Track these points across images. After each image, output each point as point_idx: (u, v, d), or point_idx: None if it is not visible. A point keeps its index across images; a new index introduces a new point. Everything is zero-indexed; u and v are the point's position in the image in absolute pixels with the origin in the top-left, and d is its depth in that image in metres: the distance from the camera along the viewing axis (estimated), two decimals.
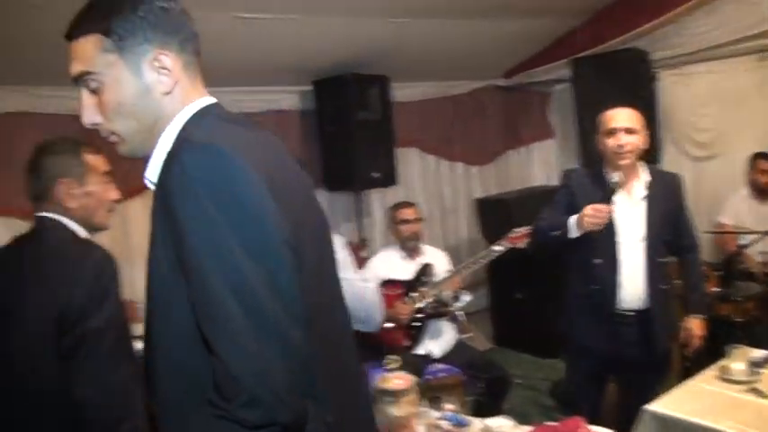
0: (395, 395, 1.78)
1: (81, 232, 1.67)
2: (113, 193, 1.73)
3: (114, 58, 1.00)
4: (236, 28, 3.29)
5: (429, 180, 5.14)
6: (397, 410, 1.76)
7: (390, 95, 4.36)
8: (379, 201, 4.76)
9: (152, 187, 1.03)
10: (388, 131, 4.34)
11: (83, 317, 1.47)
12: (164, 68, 1.02)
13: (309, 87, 4.34)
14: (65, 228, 1.65)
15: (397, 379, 1.82)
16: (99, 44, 1.00)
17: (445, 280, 3.35)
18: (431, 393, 2.51)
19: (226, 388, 0.88)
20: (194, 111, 1.04)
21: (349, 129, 4.14)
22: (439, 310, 3.33)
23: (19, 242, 1.70)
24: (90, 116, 1.04)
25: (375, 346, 2.77)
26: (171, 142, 1.01)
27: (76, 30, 1.02)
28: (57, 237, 1.64)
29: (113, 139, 1.05)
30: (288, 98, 4.42)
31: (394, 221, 3.57)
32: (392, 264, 3.48)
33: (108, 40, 0.99)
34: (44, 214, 1.65)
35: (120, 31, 1.00)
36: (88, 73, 1.01)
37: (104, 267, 1.55)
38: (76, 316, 1.47)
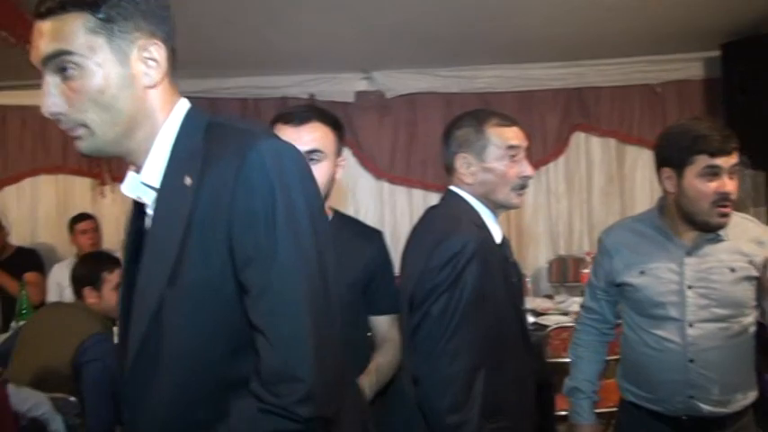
0: None
1: (481, 210, 1.61)
2: (519, 170, 1.59)
3: (100, 42, 0.92)
4: None
5: None
6: None
7: None
8: None
9: (148, 192, 1.00)
10: None
11: (430, 297, 1.43)
12: (152, 60, 0.96)
13: (716, 52, 4.15)
14: (462, 203, 1.61)
15: None
16: (85, 23, 0.92)
17: None
18: None
19: (280, 385, 0.89)
20: (188, 111, 1.02)
21: (765, 98, 3.72)
22: None
23: (430, 209, 1.71)
24: (55, 104, 0.94)
25: None
26: (170, 144, 0.98)
27: (58, 4, 0.92)
28: (444, 211, 1.63)
29: (79, 132, 0.95)
30: (689, 66, 4.35)
31: None
32: None
33: (97, 20, 0.92)
34: (450, 187, 1.66)
35: (111, 12, 0.93)
36: (65, 53, 0.92)
37: (457, 255, 1.43)
38: (425, 295, 1.45)
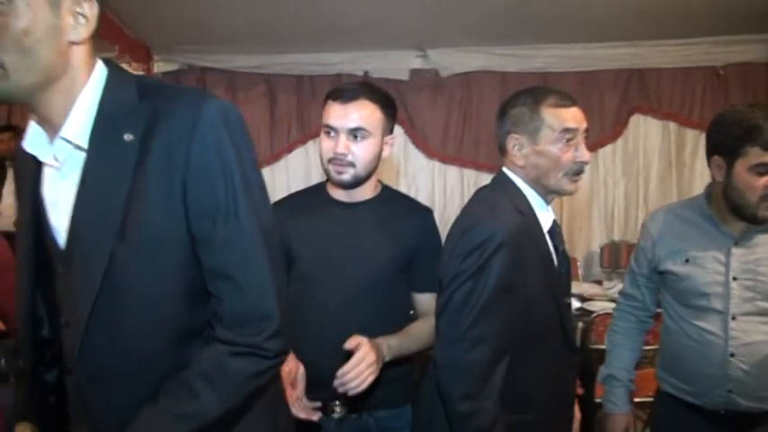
0: None
1: (531, 194, 1.52)
2: (575, 155, 1.47)
3: None
4: None
5: None
6: None
7: None
8: None
9: (63, 149, 0.97)
10: None
11: (453, 283, 1.38)
12: (83, 15, 0.94)
13: None
14: (510, 186, 1.52)
15: None
16: None
17: None
18: None
19: (251, 325, 0.96)
20: (110, 72, 1.00)
21: None
22: None
23: (479, 190, 1.61)
24: None
25: None
26: (97, 100, 0.97)
27: None
28: (488, 194, 1.54)
29: None
30: (754, 48, 4.29)
31: None
32: None
33: None
34: (503, 168, 1.56)
35: None
36: None
37: (483, 243, 1.35)
38: (449, 281, 1.40)
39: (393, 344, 1.56)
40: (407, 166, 4.75)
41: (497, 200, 1.48)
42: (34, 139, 1.00)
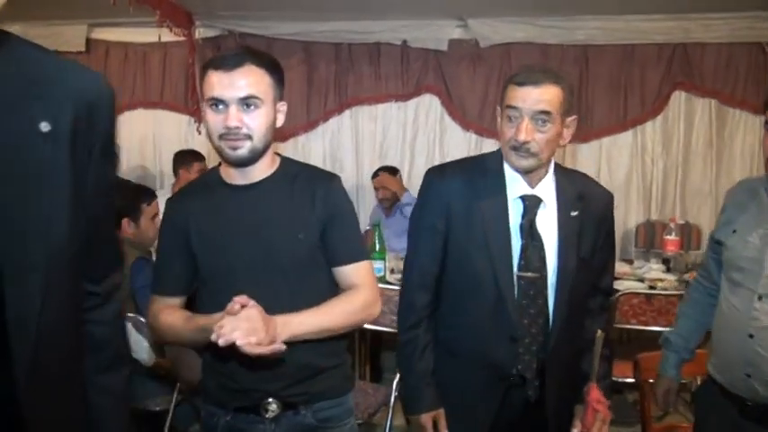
0: None
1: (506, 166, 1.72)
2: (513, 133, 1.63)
3: None
4: None
5: None
6: None
7: None
8: None
9: None
10: None
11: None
12: None
13: None
14: (497, 156, 1.78)
15: None
16: None
17: None
18: None
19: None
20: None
21: None
22: None
23: None
24: None
25: None
26: None
27: None
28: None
29: None
30: None
31: None
32: None
33: None
34: None
35: None
36: None
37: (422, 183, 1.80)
38: None
39: (291, 321, 1.43)
40: (443, 138, 4.80)
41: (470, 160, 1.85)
42: None
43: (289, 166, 1.60)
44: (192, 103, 4.64)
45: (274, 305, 1.42)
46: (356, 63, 4.69)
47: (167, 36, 4.38)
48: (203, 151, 4.22)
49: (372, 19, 4.49)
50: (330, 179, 1.62)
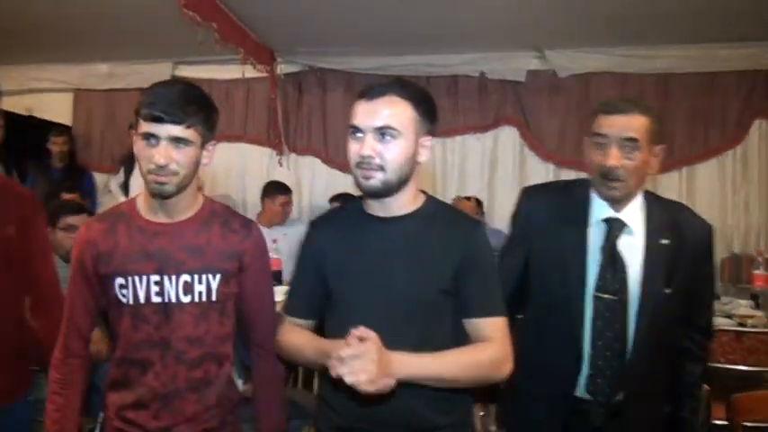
0: None
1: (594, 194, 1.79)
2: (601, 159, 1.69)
3: None
4: None
5: None
6: None
7: None
8: None
9: None
10: None
11: None
12: None
13: None
14: (584, 184, 1.84)
15: None
16: None
17: None
18: None
19: None
20: None
21: None
22: None
23: None
24: None
25: None
26: None
27: None
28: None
29: None
30: None
31: None
32: None
33: None
34: None
35: None
36: None
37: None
38: None
39: (410, 360, 1.37)
40: (523, 169, 4.84)
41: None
42: None
43: (433, 206, 1.56)
44: (274, 136, 4.78)
45: (394, 342, 1.37)
46: (434, 95, 4.69)
47: (250, 72, 4.55)
48: (289, 183, 4.31)
49: (450, 52, 4.60)
50: (474, 225, 1.57)
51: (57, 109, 5.08)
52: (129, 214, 1.60)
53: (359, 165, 1.44)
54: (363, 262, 1.50)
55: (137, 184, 4.67)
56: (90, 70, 4.96)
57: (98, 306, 1.63)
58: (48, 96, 5.09)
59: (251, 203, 4.72)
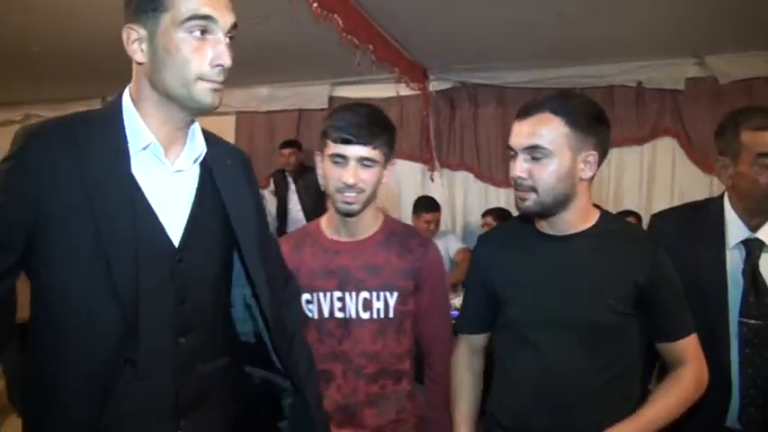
0: None
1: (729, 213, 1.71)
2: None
3: None
4: None
5: None
6: None
7: None
8: None
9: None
10: None
11: None
12: None
13: None
14: (716, 202, 1.76)
15: None
16: None
17: None
18: None
19: None
20: None
21: None
22: None
23: None
24: None
25: None
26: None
27: None
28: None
29: None
30: None
31: None
32: None
33: None
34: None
35: None
36: None
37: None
38: None
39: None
40: (680, 182, 4.72)
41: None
42: None
43: (607, 223, 1.53)
44: (427, 152, 4.94)
45: (569, 365, 1.42)
46: None
47: (404, 90, 4.77)
48: (442, 198, 4.46)
49: (605, 62, 4.59)
50: (654, 243, 1.52)
51: (219, 130, 5.47)
52: (315, 234, 1.73)
53: (515, 186, 1.47)
54: (534, 281, 1.50)
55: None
56: (252, 93, 5.32)
57: None
58: (211, 119, 5.48)
59: (405, 217, 4.91)
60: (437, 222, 4.47)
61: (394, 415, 1.69)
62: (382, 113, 1.66)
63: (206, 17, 1.14)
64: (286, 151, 5.14)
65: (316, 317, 1.68)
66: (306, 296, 1.68)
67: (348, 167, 1.57)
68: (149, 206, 1.20)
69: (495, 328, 1.62)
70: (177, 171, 1.26)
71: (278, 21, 3.47)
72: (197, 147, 1.30)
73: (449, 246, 4.39)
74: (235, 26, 1.20)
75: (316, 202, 5.05)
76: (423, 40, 4.15)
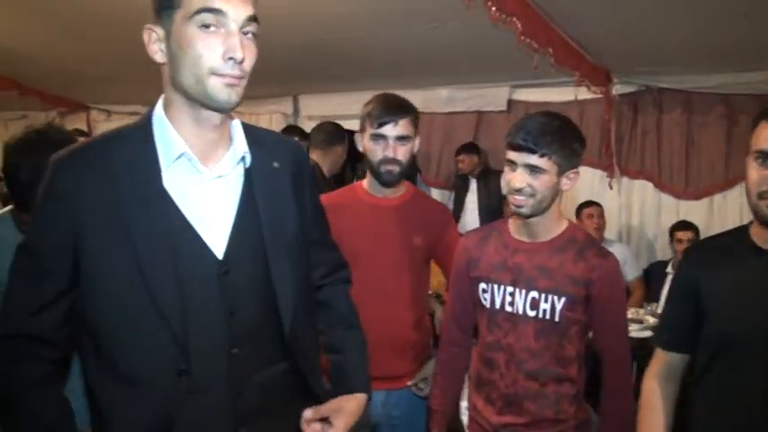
0: None
1: None
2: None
3: None
4: None
5: None
6: None
7: None
8: None
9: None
10: None
11: None
12: None
13: None
14: None
15: None
16: None
17: None
18: None
19: None
20: None
21: None
22: None
23: None
24: None
25: None
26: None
27: None
28: None
29: None
30: None
31: None
32: None
33: None
34: None
35: None
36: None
37: None
38: None
39: None
40: None
41: None
42: None
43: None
44: (607, 158, 4.94)
45: None
46: None
47: (583, 94, 4.78)
48: (617, 206, 4.46)
49: None
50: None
51: None
52: (501, 230, 1.90)
53: (761, 195, 1.43)
54: (754, 300, 1.46)
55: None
56: (431, 95, 5.53)
57: (473, 303, 1.91)
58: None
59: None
60: (600, 215, 4.51)
61: (552, 414, 1.79)
62: (561, 122, 1.71)
63: (215, 10, 1.13)
64: (459, 157, 5.42)
65: (488, 306, 1.85)
66: (482, 285, 1.86)
67: (516, 173, 1.70)
68: (185, 221, 1.19)
69: (702, 349, 1.58)
70: (218, 177, 1.25)
71: (456, 24, 3.63)
72: (239, 148, 1.28)
73: (625, 261, 4.32)
74: (252, 19, 1.17)
75: (488, 205, 5.25)
76: (606, 42, 4.14)
